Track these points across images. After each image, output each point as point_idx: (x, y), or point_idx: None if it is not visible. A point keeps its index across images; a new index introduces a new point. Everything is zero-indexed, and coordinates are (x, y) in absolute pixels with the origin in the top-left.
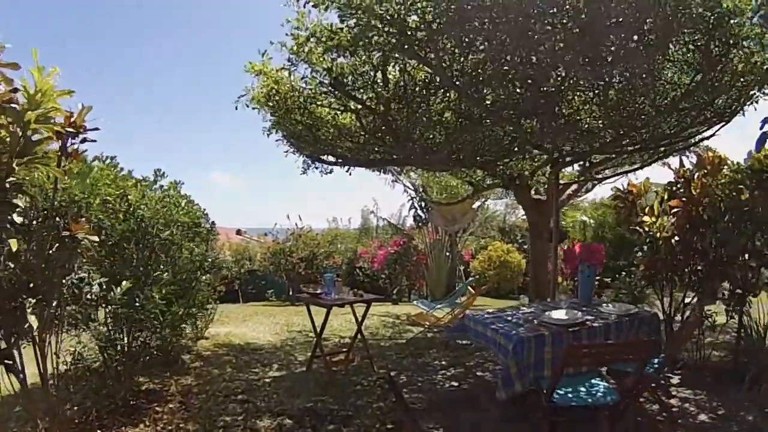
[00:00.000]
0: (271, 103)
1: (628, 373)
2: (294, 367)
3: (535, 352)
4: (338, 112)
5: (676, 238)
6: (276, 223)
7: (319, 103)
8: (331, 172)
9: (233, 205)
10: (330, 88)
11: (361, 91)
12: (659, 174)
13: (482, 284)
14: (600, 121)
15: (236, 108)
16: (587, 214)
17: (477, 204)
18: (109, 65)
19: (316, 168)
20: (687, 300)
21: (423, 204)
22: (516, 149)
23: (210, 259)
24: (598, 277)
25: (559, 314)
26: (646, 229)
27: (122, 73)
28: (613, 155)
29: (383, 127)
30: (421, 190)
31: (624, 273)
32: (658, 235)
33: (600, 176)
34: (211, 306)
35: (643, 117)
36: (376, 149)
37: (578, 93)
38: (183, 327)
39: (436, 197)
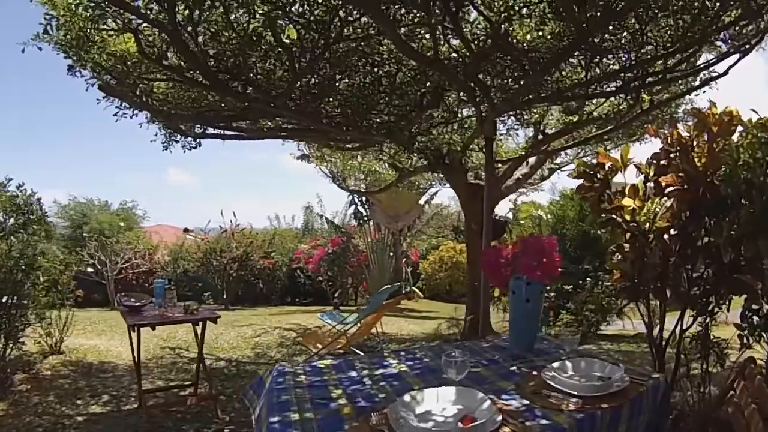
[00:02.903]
0: (57, 39)
1: None
2: (127, 400)
3: None
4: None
5: (673, 231)
6: (209, 220)
7: (100, 26)
8: (196, 146)
9: (193, 205)
10: None
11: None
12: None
13: (406, 293)
14: (549, 27)
15: (23, 51)
16: (544, 210)
17: (423, 200)
18: None
19: (177, 141)
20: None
21: (364, 199)
22: (427, 101)
23: (27, 256)
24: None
25: (435, 403)
26: (628, 217)
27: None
28: (574, 106)
29: (181, 55)
30: (339, 177)
31: (590, 279)
32: (647, 226)
33: (557, 149)
34: (67, 314)
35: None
36: (207, 100)
37: None
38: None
39: (354, 185)
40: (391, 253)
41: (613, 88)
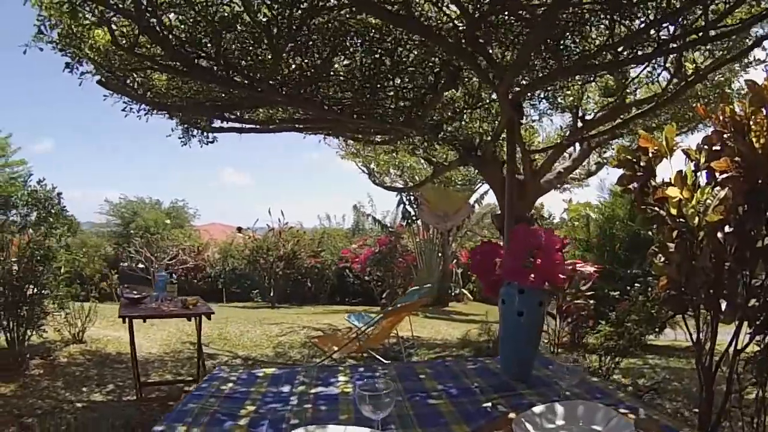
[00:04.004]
0: (51, 38)
1: None
2: (130, 391)
3: None
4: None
5: (727, 228)
6: (257, 219)
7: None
8: (212, 141)
9: (248, 204)
10: None
11: None
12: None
13: (455, 295)
14: None
15: (24, 52)
16: (592, 209)
17: (473, 198)
18: None
19: (193, 136)
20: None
21: (412, 198)
22: (441, 83)
23: (42, 251)
24: (581, 300)
25: None
26: (674, 211)
27: None
28: (613, 86)
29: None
30: (376, 174)
31: (639, 285)
32: (696, 221)
33: (595, 135)
34: (90, 306)
35: None
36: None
37: None
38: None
39: (390, 182)
40: (440, 254)
41: (646, 52)
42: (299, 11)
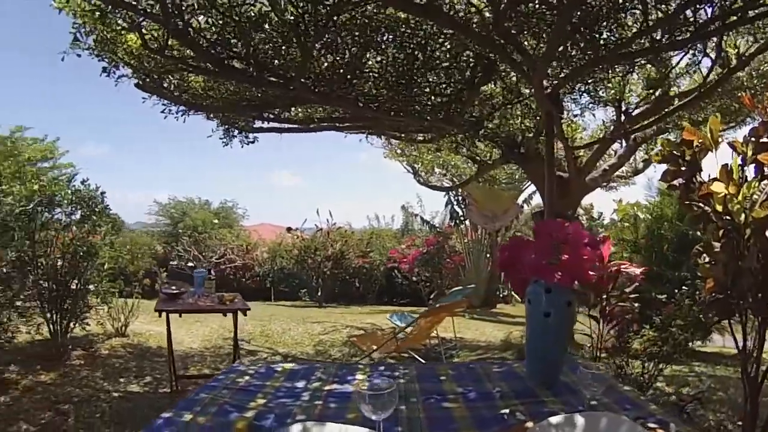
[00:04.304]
0: (87, 45)
1: None
2: (167, 384)
3: None
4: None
5: None
6: (305, 219)
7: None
8: (252, 141)
9: (299, 205)
10: None
11: None
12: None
13: (503, 296)
14: None
15: (63, 59)
16: (641, 209)
17: (521, 198)
18: None
19: (234, 136)
20: None
21: (460, 198)
22: (479, 75)
23: (86, 247)
24: (626, 303)
25: None
26: (719, 207)
27: None
28: (656, 77)
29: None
30: (421, 172)
31: (686, 288)
32: (742, 218)
33: (636, 128)
34: (133, 301)
35: None
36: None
37: None
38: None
39: (435, 181)
40: (488, 255)
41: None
42: (325, 8)
